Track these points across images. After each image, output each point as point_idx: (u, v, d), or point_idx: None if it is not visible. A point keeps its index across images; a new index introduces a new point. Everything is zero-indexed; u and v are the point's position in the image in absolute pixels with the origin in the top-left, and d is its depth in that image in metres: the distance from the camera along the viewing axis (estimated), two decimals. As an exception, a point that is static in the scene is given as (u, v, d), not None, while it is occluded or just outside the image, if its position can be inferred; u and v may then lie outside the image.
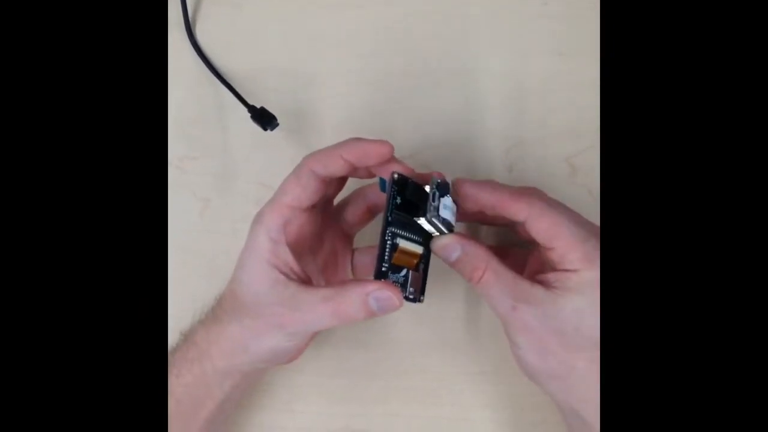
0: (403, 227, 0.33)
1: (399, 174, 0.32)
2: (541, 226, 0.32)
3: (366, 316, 0.32)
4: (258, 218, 0.34)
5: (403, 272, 0.33)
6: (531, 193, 0.33)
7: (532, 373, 0.33)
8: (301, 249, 0.34)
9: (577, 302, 0.31)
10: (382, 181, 0.33)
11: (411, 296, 0.33)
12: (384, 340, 0.40)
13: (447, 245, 0.33)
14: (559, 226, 0.32)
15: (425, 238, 0.34)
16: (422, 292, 0.34)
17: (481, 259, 0.32)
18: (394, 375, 0.40)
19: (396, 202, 0.32)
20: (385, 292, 0.31)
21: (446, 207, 0.33)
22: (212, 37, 0.43)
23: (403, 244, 0.33)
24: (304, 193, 0.33)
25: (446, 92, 0.42)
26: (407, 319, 0.40)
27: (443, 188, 0.33)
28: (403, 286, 0.33)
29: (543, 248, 0.32)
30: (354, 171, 0.33)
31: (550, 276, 0.32)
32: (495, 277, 0.32)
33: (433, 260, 0.34)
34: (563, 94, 0.41)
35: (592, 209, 0.36)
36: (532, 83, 0.41)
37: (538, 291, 0.32)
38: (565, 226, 0.32)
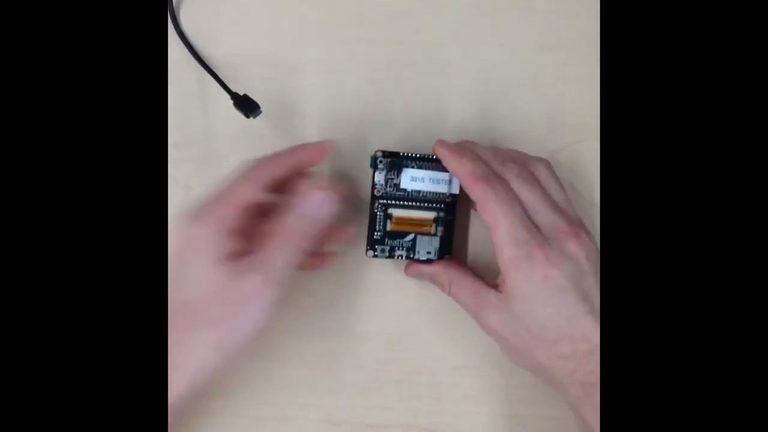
0: (399, 198, 0.37)
1: (381, 151, 0.36)
2: (483, 215, 0.33)
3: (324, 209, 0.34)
4: (197, 216, 0.33)
5: (410, 237, 0.37)
6: (506, 169, 0.34)
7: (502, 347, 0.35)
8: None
9: (521, 306, 0.32)
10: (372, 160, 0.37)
11: (422, 258, 0.37)
12: (365, 332, 0.40)
13: (417, 275, 0.38)
14: (496, 224, 0.33)
15: (438, 203, 0.37)
16: (443, 252, 0.37)
17: (443, 278, 0.36)
18: (374, 367, 0.40)
19: (379, 177, 0.37)
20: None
21: (414, 178, 0.37)
22: (196, 23, 0.43)
23: (398, 212, 0.37)
24: (253, 195, 0.33)
25: (431, 83, 0.42)
26: (389, 312, 0.40)
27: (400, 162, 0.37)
28: (411, 249, 0.37)
29: None
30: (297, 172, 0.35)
31: (500, 276, 0.34)
32: (458, 288, 0.36)
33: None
34: (548, 89, 0.41)
35: (575, 204, 0.36)
36: (517, 76, 0.41)
37: (491, 296, 0.34)
38: (502, 224, 0.32)
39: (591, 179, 0.39)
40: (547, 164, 0.36)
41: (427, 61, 0.42)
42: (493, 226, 0.33)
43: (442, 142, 0.36)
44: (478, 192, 0.33)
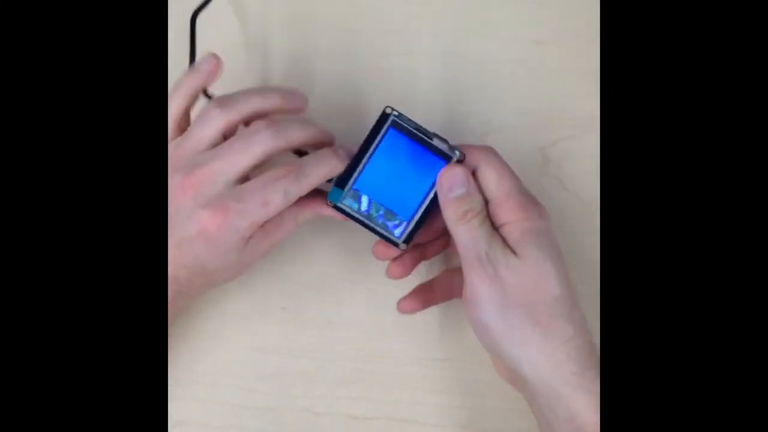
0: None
1: (391, 108, 0.35)
2: (489, 174, 0.33)
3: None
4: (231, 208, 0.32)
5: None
6: (486, 147, 0.34)
7: (491, 337, 0.33)
8: None
9: (529, 271, 0.32)
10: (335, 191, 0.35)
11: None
12: (348, 323, 0.40)
13: (454, 176, 0.34)
14: (503, 179, 0.33)
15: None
16: (410, 239, 0.35)
17: (480, 203, 0.34)
18: (357, 358, 0.40)
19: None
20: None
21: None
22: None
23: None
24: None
25: (424, 75, 0.41)
26: (372, 303, 0.40)
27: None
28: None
29: (490, 202, 0.34)
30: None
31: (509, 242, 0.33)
32: (479, 224, 0.33)
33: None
34: (540, 84, 0.41)
35: (563, 200, 0.36)
36: (509, 71, 0.41)
37: (507, 255, 0.33)
38: (507, 179, 0.33)
39: (582, 173, 0.39)
40: (489, 154, 0.35)
41: (421, 52, 0.41)
42: (500, 183, 0.34)
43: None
44: (478, 153, 0.34)
